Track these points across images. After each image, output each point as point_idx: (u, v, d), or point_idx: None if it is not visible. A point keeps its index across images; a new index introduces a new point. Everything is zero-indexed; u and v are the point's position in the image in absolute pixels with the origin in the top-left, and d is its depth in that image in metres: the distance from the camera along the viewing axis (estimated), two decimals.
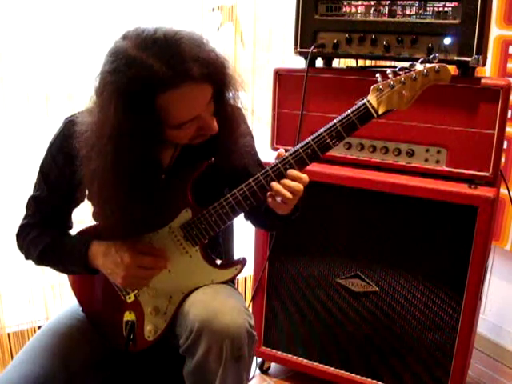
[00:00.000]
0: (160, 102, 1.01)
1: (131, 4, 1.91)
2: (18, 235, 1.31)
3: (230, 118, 1.19)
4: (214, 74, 1.05)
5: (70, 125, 1.20)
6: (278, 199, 1.11)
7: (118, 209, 1.11)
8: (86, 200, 1.30)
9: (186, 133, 1.11)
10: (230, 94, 1.17)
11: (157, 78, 0.98)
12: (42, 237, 1.27)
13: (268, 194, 1.13)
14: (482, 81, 1.51)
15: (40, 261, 1.28)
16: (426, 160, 1.62)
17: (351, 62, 2.09)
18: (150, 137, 1.04)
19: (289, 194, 1.09)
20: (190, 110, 1.06)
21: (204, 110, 1.08)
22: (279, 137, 1.81)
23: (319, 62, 1.80)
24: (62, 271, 1.31)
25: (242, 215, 1.37)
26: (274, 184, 1.10)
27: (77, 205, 1.33)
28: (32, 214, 1.30)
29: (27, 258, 1.31)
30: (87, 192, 1.26)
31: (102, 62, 1.04)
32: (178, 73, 0.99)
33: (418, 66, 1.08)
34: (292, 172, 1.10)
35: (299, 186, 1.09)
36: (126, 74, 0.98)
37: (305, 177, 1.10)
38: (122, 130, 1.01)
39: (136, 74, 0.98)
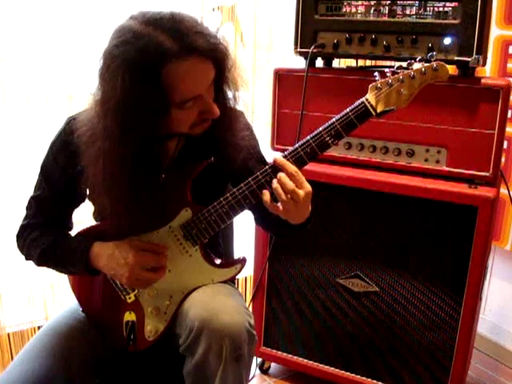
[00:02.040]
0: (166, 75, 1.02)
1: (131, 5, 1.90)
2: (19, 236, 1.30)
3: (227, 113, 1.19)
4: (217, 53, 1.07)
5: (71, 124, 1.20)
6: (279, 205, 1.09)
7: (120, 193, 1.10)
8: (86, 200, 1.31)
9: (188, 115, 1.10)
10: (230, 91, 1.18)
11: (164, 49, 1.00)
12: (43, 238, 1.26)
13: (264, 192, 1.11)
14: (482, 81, 1.51)
15: (40, 261, 1.28)
16: (426, 160, 1.62)
17: (351, 62, 2.09)
18: (155, 112, 1.04)
19: (284, 196, 1.07)
20: (194, 85, 1.06)
21: (206, 90, 1.09)
22: (279, 137, 1.81)
23: (319, 62, 1.80)
24: (62, 272, 1.31)
25: (253, 220, 1.38)
26: (274, 181, 1.09)
27: (77, 205, 1.33)
28: (32, 214, 1.30)
29: (27, 258, 1.31)
30: (88, 192, 1.27)
31: (107, 41, 1.05)
32: (185, 45, 1.01)
33: (416, 65, 1.09)
34: (289, 167, 1.08)
35: (294, 190, 1.07)
36: (133, 45, 1.00)
37: (299, 174, 1.08)
38: (129, 102, 1.01)
39: (144, 46, 1.00)
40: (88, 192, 1.27)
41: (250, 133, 1.32)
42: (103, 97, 1.05)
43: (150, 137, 1.07)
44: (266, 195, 1.10)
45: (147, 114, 1.04)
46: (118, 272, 1.17)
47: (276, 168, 1.11)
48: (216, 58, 1.08)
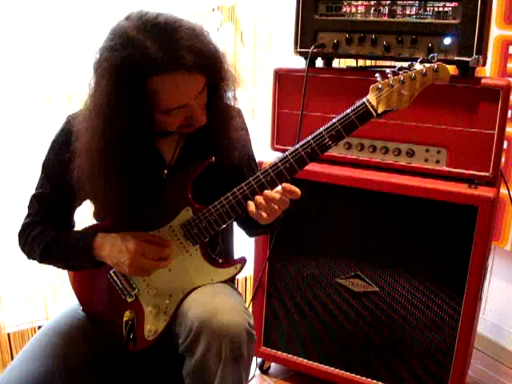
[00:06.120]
0: (150, 85, 1.03)
1: (131, 5, 1.90)
2: (21, 234, 1.30)
3: (223, 113, 1.21)
4: (208, 66, 1.08)
5: (71, 122, 1.20)
6: (263, 214, 1.12)
7: (113, 192, 1.13)
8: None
9: (174, 120, 1.12)
10: (227, 91, 1.19)
11: (150, 60, 1.01)
12: (46, 232, 1.26)
13: (248, 203, 1.13)
14: (482, 81, 1.51)
15: (43, 257, 1.27)
16: (426, 160, 1.62)
17: (351, 62, 2.09)
18: (137, 115, 1.05)
19: (274, 206, 1.11)
20: (178, 97, 1.07)
21: (193, 99, 1.10)
22: (279, 137, 1.81)
23: (319, 62, 1.80)
24: (65, 267, 1.30)
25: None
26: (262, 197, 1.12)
27: (79, 203, 1.32)
28: (34, 212, 1.30)
29: (29, 257, 1.30)
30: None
31: (103, 39, 1.07)
32: (172, 59, 1.02)
33: (417, 66, 1.09)
34: (288, 186, 1.10)
35: (285, 200, 1.10)
36: (121, 52, 1.01)
37: (297, 191, 1.10)
38: (112, 105, 1.04)
39: (131, 55, 1.01)
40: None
41: (245, 132, 1.33)
42: (93, 94, 1.08)
43: (135, 135, 1.09)
44: (251, 206, 1.12)
45: (129, 116, 1.05)
46: (119, 260, 1.17)
47: (276, 169, 1.12)
48: (207, 70, 1.08)
